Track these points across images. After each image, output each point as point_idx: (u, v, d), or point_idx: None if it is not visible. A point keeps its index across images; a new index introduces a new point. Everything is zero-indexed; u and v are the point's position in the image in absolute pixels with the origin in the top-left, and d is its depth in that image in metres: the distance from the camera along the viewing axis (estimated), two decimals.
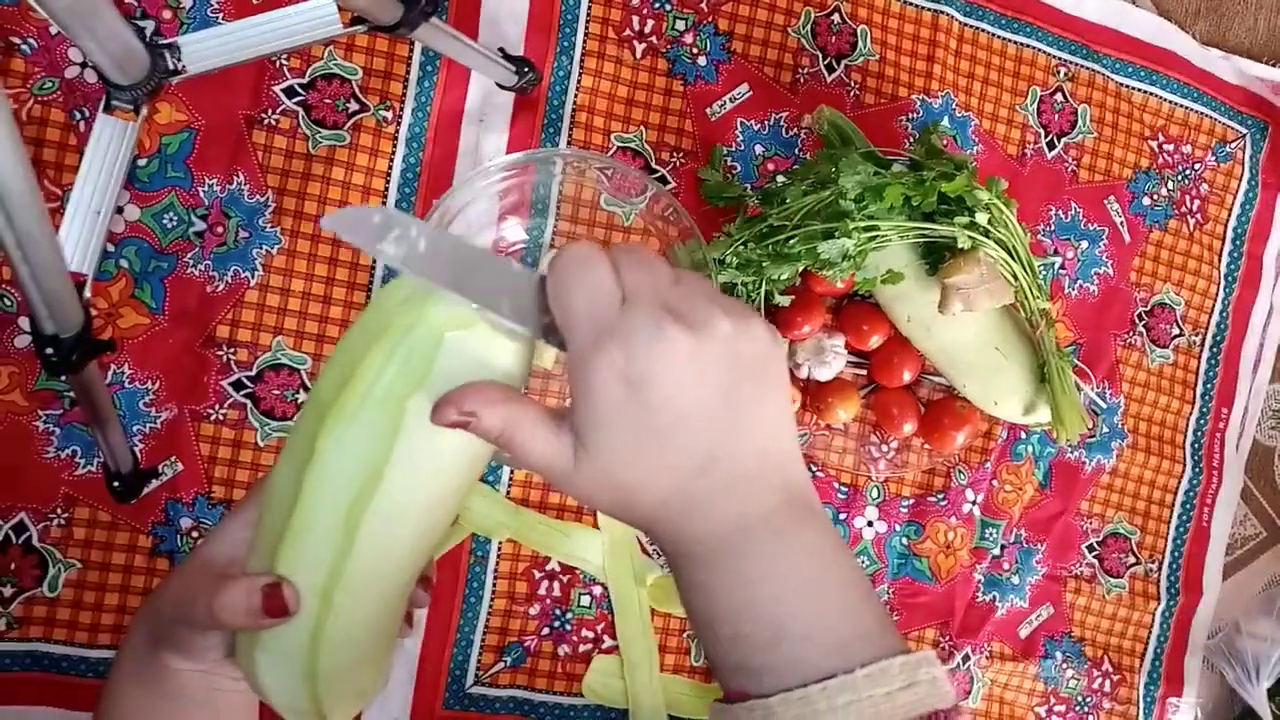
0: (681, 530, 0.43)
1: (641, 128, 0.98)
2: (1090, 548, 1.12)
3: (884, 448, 1.04)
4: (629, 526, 0.93)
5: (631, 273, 0.41)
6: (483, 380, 0.42)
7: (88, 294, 0.66)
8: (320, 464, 0.44)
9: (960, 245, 0.89)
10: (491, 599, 0.94)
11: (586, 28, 0.96)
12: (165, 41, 0.68)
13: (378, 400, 0.43)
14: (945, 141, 1.03)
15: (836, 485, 1.03)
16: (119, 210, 0.85)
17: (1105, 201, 1.11)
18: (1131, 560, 1.14)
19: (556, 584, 0.96)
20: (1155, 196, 1.13)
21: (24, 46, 0.84)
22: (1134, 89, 1.13)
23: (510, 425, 0.41)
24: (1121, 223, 1.12)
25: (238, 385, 0.89)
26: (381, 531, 0.45)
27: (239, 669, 0.50)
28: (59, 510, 0.85)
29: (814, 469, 1.02)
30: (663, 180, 0.98)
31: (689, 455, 0.41)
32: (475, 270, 0.43)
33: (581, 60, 0.96)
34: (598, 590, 0.96)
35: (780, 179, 0.94)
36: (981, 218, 0.88)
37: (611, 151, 0.97)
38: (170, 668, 0.50)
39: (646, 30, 0.98)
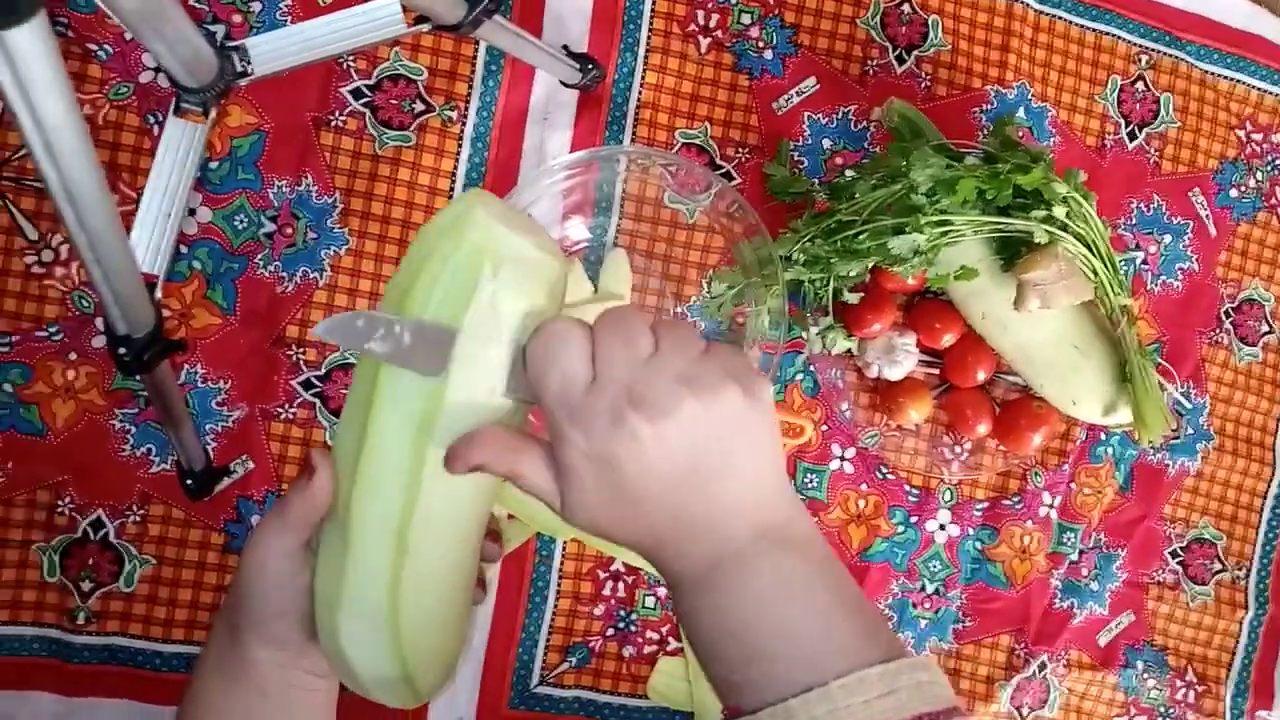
0: (661, 564, 0.48)
1: (706, 123, 0.96)
2: (1174, 553, 1.08)
3: (957, 449, 1.01)
4: None
5: (606, 350, 0.44)
6: (487, 429, 0.46)
7: (159, 294, 0.67)
8: (381, 397, 0.46)
9: (1037, 240, 0.86)
10: (556, 599, 0.94)
11: (651, 23, 0.95)
12: (233, 44, 0.69)
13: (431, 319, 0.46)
14: (1021, 133, 1.01)
15: (908, 488, 1.00)
16: (191, 212, 0.86)
17: (1190, 194, 1.07)
18: (1218, 567, 1.09)
19: (621, 584, 0.95)
20: (1243, 188, 1.09)
21: (100, 52, 0.85)
22: (1220, 76, 1.08)
23: (515, 468, 0.46)
24: (1207, 215, 1.08)
25: (307, 385, 0.90)
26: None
27: (321, 656, 0.52)
28: (134, 507, 0.87)
29: (884, 470, 1.00)
30: (728, 176, 0.97)
31: (656, 515, 0.45)
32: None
33: (646, 56, 0.95)
34: (662, 591, 0.95)
35: (849, 173, 0.92)
36: (1059, 211, 0.85)
37: (676, 148, 0.96)
38: (250, 659, 0.52)
39: (711, 25, 0.96)
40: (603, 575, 0.95)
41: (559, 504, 0.46)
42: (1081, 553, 1.05)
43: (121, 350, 0.61)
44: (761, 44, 0.97)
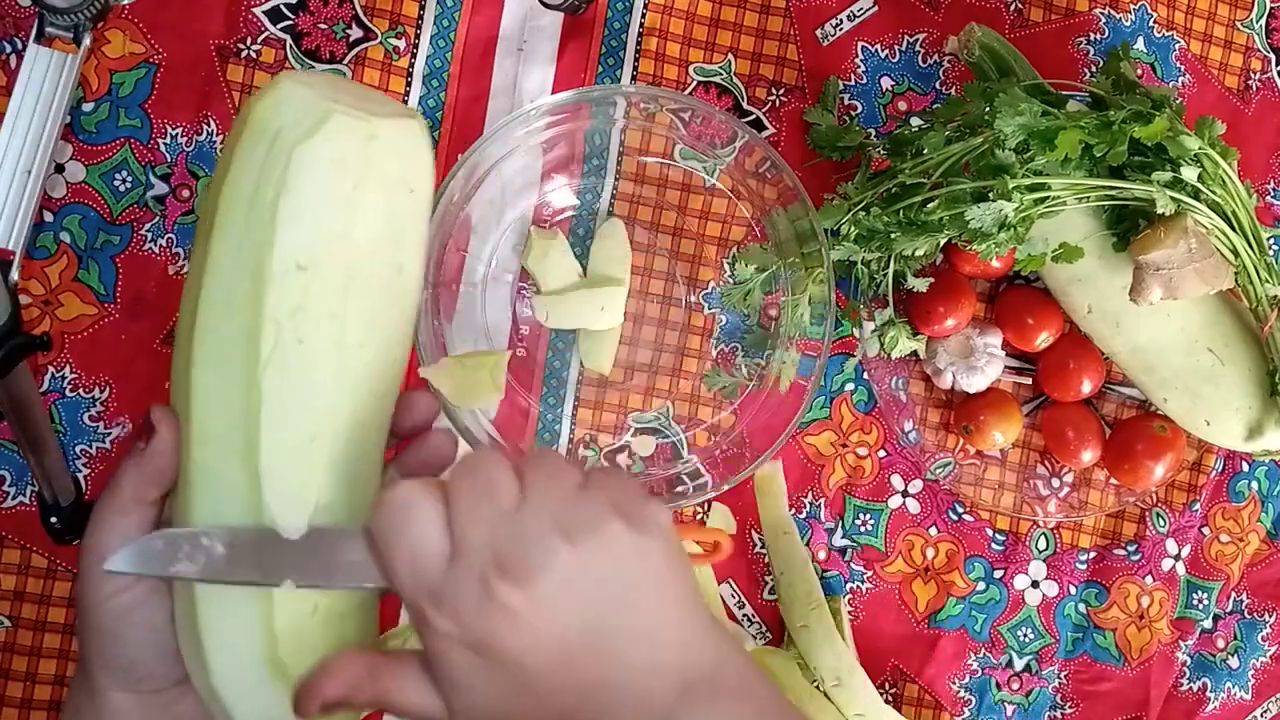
0: None
1: (730, 56, 0.97)
2: None
3: (1055, 482, 1.01)
4: (711, 584, 0.93)
5: (462, 510, 0.47)
6: (338, 654, 0.50)
7: (15, 276, 0.68)
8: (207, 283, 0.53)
9: (1160, 210, 0.86)
10: None
11: None
12: None
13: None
14: (1139, 71, 1.01)
15: (990, 532, 1.01)
16: (59, 169, 0.86)
17: None
18: None
19: None
20: None
21: None
22: None
23: (383, 695, 0.49)
24: None
25: None
26: (288, 381, 0.51)
27: (198, 700, 0.54)
28: None
29: (960, 510, 1.00)
30: (757, 125, 0.97)
31: (560, 698, 0.47)
32: (295, 555, 0.50)
33: None
34: None
35: (915, 122, 0.92)
36: (1189, 173, 0.86)
37: (690, 88, 0.96)
38: (110, 710, 0.54)
39: None
40: None
41: (442, 715, 0.49)
42: (1217, 619, 1.06)
43: None
44: None
